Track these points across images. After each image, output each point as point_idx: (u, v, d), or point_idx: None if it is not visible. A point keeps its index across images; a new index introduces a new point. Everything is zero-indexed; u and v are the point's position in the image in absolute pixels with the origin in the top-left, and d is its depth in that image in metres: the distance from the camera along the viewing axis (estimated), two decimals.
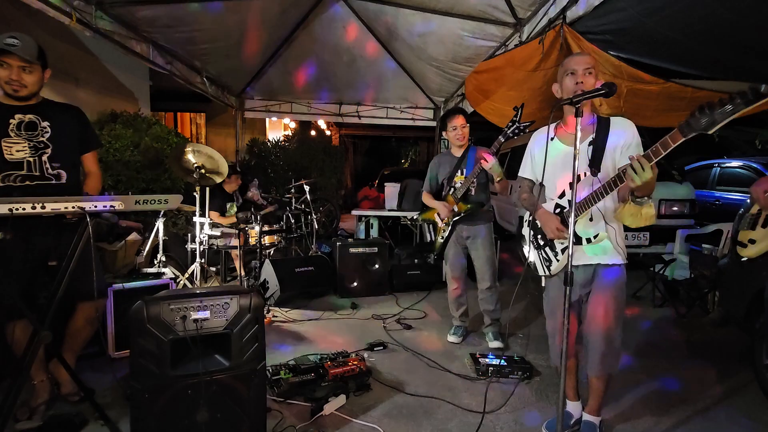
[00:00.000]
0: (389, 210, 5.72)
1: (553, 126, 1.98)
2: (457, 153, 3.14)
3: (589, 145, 1.85)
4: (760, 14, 2.39)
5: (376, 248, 4.44)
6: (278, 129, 11.69)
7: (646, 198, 1.63)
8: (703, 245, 4.11)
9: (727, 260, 3.05)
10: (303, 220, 5.24)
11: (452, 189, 3.09)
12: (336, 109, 6.98)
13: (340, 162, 9.77)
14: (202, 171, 3.50)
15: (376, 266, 4.42)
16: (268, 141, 9.00)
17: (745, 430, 2.23)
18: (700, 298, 3.90)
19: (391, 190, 5.69)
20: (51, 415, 2.12)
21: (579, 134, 1.59)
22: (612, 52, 3.12)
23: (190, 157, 3.52)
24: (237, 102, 6.69)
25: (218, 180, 3.69)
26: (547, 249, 1.99)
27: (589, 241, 1.86)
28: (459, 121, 3.04)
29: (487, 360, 2.74)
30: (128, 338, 1.70)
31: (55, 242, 2.04)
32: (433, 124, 6.98)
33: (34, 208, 1.70)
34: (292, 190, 5.33)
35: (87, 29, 3.21)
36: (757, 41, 2.73)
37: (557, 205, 1.95)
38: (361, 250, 4.40)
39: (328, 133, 12.47)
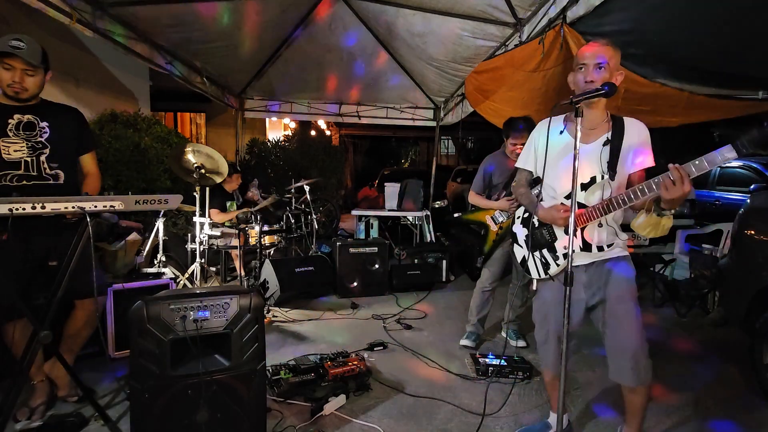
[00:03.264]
0: (389, 210, 5.72)
1: (561, 117, 1.86)
2: (515, 157, 3.06)
3: (604, 144, 1.72)
4: (762, 17, 2.38)
5: (376, 248, 4.44)
6: (278, 129, 11.69)
7: (668, 210, 1.53)
8: (703, 245, 4.11)
9: (727, 260, 3.05)
10: (303, 220, 5.23)
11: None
12: (336, 109, 6.97)
13: (340, 162, 9.76)
14: (202, 171, 3.50)
15: (376, 266, 4.42)
16: (268, 141, 9.00)
17: (745, 430, 2.23)
18: (700, 298, 3.90)
19: (391, 190, 5.69)
20: (51, 415, 2.13)
21: (579, 134, 1.55)
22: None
23: (190, 157, 3.52)
24: (237, 102, 6.69)
25: (218, 180, 3.69)
26: (546, 251, 1.89)
27: (601, 249, 1.76)
28: (524, 140, 2.84)
29: (487, 360, 2.74)
30: (128, 338, 1.70)
31: (55, 242, 2.04)
32: (433, 124, 6.97)
33: (34, 208, 1.70)
34: (292, 190, 5.33)
35: (87, 29, 3.20)
36: (758, 43, 2.73)
37: (560, 204, 1.81)
38: (361, 250, 4.40)
39: (328, 133, 12.48)
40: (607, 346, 1.80)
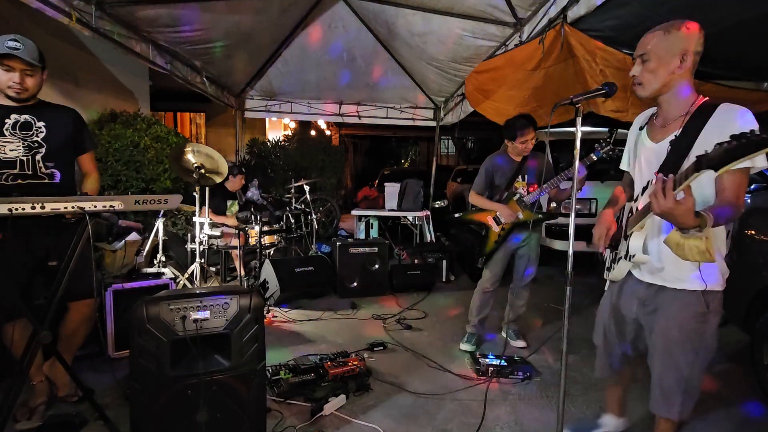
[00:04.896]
0: (389, 210, 5.72)
1: (648, 113, 1.68)
2: (517, 158, 3.04)
3: (670, 144, 1.46)
4: (764, 7, 2.38)
5: (376, 248, 4.43)
6: (278, 129, 11.69)
7: (693, 230, 1.26)
8: None
9: (727, 260, 3.04)
10: (303, 220, 5.24)
11: (518, 195, 2.99)
12: (336, 109, 6.97)
13: (340, 162, 9.76)
14: (202, 171, 3.50)
15: (376, 266, 4.42)
16: (268, 141, 9.00)
17: (745, 430, 2.23)
18: None
19: (391, 190, 5.69)
20: (51, 415, 2.12)
21: (579, 134, 1.55)
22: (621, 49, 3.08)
23: (190, 156, 3.52)
24: (237, 102, 6.69)
25: (218, 180, 3.68)
26: (611, 254, 1.79)
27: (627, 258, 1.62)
28: (530, 134, 2.92)
29: (487, 360, 2.74)
30: (128, 338, 1.70)
31: (55, 242, 2.04)
32: (433, 124, 6.97)
33: (33, 208, 1.70)
34: (292, 190, 5.33)
35: (86, 29, 3.20)
36: (760, 36, 2.71)
37: (630, 209, 1.68)
38: (361, 250, 4.40)
39: (328, 133, 12.46)
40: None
